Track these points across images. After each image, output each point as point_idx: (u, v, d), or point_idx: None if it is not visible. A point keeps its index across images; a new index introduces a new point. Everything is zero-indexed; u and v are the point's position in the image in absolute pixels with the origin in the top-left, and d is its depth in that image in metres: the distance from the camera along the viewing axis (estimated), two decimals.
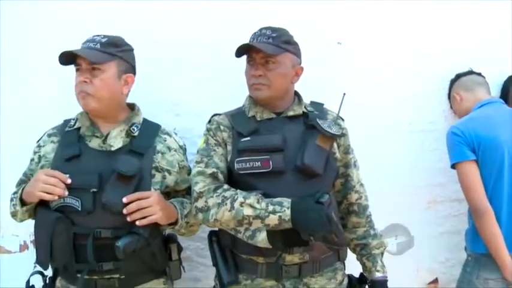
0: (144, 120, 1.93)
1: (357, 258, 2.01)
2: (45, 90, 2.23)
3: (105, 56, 1.78)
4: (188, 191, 1.95)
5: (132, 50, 1.91)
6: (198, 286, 2.31)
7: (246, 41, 1.85)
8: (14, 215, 1.88)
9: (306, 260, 1.80)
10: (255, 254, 1.79)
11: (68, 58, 1.77)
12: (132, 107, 1.95)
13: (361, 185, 1.99)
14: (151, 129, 1.91)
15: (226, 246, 1.86)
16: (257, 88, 1.83)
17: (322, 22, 2.38)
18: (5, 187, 1.92)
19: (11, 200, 1.87)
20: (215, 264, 1.88)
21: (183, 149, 1.97)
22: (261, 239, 1.70)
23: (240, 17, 2.25)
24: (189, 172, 1.96)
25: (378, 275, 1.94)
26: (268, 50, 1.78)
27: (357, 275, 2.00)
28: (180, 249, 1.97)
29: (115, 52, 1.81)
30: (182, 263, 1.99)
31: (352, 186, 1.96)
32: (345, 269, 1.96)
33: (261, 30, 1.86)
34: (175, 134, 1.99)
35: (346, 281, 1.94)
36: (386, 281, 1.95)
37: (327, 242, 1.69)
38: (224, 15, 2.28)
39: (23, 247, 2.30)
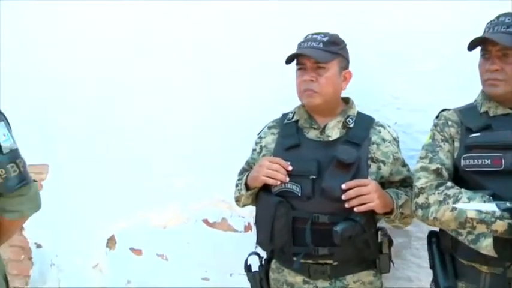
0: (358, 112, 1.95)
1: None
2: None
3: (328, 55, 1.84)
4: (402, 183, 1.92)
5: (346, 45, 1.94)
6: (411, 286, 2.22)
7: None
8: (237, 199, 2.04)
9: None
10: (478, 261, 1.62)
11: (290, 58, 1.87)
12: (346, 100, 1.98)
13: None
14: (365, 121, 1.92)
15: (446, 249, 1.74)
16: (492, 84, 1.66)
17: None
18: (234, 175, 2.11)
19: (236, 185, 2.03)
20: (432, 266, 1.77)
21: (397, 140, 1.94)
22: (485, 245, 1.54)
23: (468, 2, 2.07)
24: (403, 164, 1.93)
25: None
26: (506, 43, 1.60)
27: None
28: (391, 243, 1.92)
29: (336, 50, 1.86)
30: (392, 258, 1.93)
31: None
32: None
33: (498, 17, 1.68)
34: (389, 126, 1.96)
35: None
36: None
37: None
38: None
39: (247, 228, 2.50)
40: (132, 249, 2.75)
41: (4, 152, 1.61)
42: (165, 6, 2.55)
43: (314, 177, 1.79)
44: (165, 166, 2.60)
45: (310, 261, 1.83)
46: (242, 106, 2.43)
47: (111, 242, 2.79)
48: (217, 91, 2.49)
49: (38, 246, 2.99)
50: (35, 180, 1.74)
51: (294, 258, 1.82)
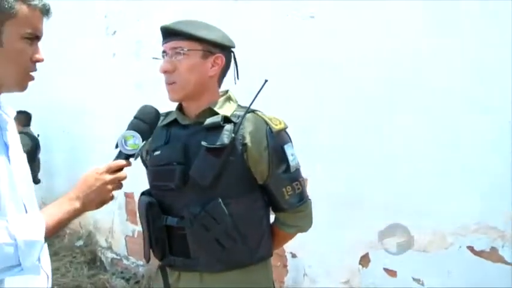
0: None
1: None
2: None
3: None
4: None
5: None
6: None
7: None
8: None
9: None
10: None
11: None
12: None
13: None
14: None
15: None
16: None
17: None
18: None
19: None
20: None
21: None
22: None
23: None
24: None
25: None
26: None
27: None
28: None
29: None
30: None
31: None
32: None
33: None
34: None
35: None
36: None
37: None
38: None
39: None
40: (386, 269, 2.69)
41: (292, 170, 1.71)
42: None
43: None
44: (431, 188, 2.48)
45: None
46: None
47: (364, 260, 2.78)
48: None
49: (293, 255, 3.14)
50: (309, 199, 1.82)
51: None
